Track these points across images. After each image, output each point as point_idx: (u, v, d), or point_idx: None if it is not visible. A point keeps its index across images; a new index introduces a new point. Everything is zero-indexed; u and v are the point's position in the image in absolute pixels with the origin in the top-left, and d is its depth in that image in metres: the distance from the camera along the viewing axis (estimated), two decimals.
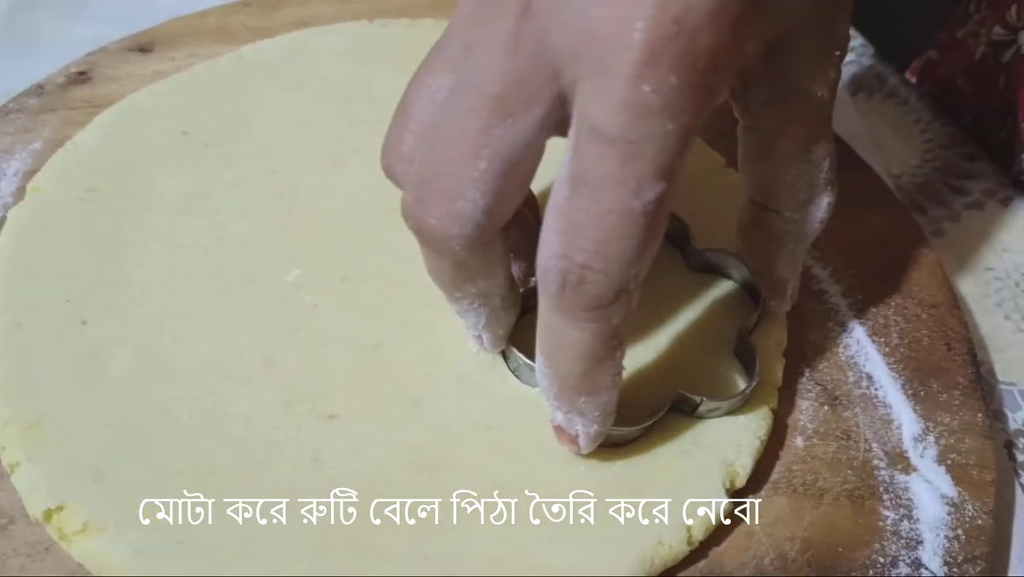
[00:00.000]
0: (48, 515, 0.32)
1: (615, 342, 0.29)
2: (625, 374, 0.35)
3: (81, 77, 0.48)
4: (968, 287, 0.44)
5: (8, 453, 0.34)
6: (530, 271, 0.35)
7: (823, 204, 0.34)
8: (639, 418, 0.34)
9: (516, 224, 0.32)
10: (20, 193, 0.42)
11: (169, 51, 0.49)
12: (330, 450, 0.34)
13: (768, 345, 0.38)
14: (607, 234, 0.26)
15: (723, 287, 0.39)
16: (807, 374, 0.38)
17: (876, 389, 0.38)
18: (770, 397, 0.37)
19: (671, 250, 0.40)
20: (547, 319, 0.29)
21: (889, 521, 0.34)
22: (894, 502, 0.35)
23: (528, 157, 0.28)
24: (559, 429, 0.33)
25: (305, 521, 0.32)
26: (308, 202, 0.42)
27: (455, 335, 0.37)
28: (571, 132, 0.27)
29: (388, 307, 0.38)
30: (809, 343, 0.39)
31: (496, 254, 0.31)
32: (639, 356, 0.37)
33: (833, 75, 0.32)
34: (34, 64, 0.51)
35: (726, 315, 0.38)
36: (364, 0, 0.53)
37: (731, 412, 0.36)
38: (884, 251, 0.42)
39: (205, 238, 0.40)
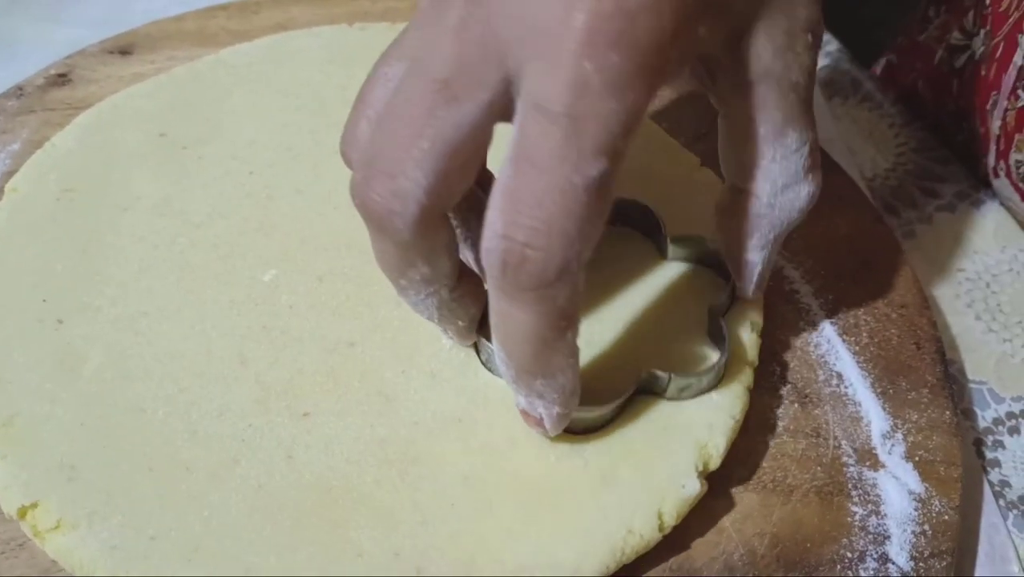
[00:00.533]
0: (22, 512, 0.32)
1: (563, 323, 0.29)
2: (594, 356, 0.35)
3: (60, 79, 0.48)
4: (939, 288, 0.45)
5: None
6: None
7: (803, 193, 0.34)
8: (609, 399, 0.34)
9: (475, 214, 0.32)
10: None
11: (148, 54, 0.50)
12: (303, 447, 0.34)
13: (743, 325, 0.38)
14: (548, 211, 0.26)
15: (695, 273, 0.40)
16: (778, 372, 0.39)
17: (846, 387, 0.38)
18: (744, 375, 0.37)
19: (645, 242, 0.41)
20: (495, 302, 0.29)
21: (857, 517, 0.35)
22: (862, 498, 0.35)
23: (473, 140, 0.28)
24: (524, 413, 0.33)
25: (277, 517, 0.33)
26: (284, 203, 0.42)
27: (428, 333, 0.37)
28: (517, 113, 0.27)
29: (363, 306, 0.38)
30: (780, 342, 0.40)
31: (440, 240, 0.31)
32: (608, 337, 0.37)
33: (807, 60, 0.32)
34: (13, 66, 0.51)
35: (698, 298, 0.39)
36: (342, 4, 0.53)
37: (704, 391, 0.36)
38: (855, 252, 0.43)
39: (181, 239, 0.40)
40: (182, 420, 0.35)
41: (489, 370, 0.36)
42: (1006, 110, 0.44)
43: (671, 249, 0.40)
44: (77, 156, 0.43)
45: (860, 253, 0.43)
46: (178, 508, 0.33)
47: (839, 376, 0.39)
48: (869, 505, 0.35)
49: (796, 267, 0.42)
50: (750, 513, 0.35)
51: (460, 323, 0.35)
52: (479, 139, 0.29)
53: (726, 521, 0.35)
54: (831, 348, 0.39)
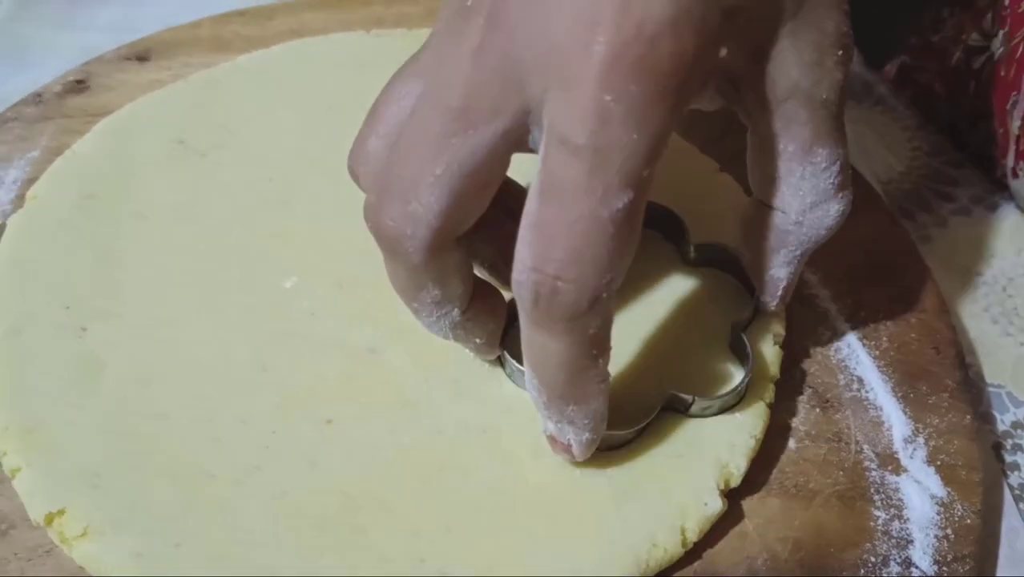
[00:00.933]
0: (49, 519, 0.33)
1: (595, 351, 0.29)
2: (617, 373, 0.35)
3: (78, 86, 0.48)
4: (956, 292, 0.45)
5: (8, 458, 0.34)
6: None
7: (832, 211, 0.33)
8: (632, 420, 0.35)
9: (501, 236, 0.32)
10: (19, 201, 0.43)
11: (165, 60, 0.50)
12: (326, 454, 0.34)
13: (765, 339, 0.38)
14: (577, 243, 0.26)
15: (718, 281, 0.40)
16: (798, 377, 0.39)
17: (866, 392, 0.38)
18: (766, 392, 0.37)
19: (666, 244, 0.41)
20: (527, 331, 0.29)
21: (880, 521, 0.35)
22: (884, 502, 0.35)
23: (488, 167, 0.28)
24: (552, 439, 0.33)
25: (301, 524, 0.33)
26: (303, 210, 0.42)
27: (449, 341, 0.37)
28: (542, 143, 0.27)
29: (384, 313, 0.38)
30: (800, 347, 0.40)
31: (451, 264, 0.31)
32: (631, 354, 0.37)
33: (839, 76, 0.31)
34: (30, 73, 0.51)
35: (720, 309, 0.39)
36: (356, 10, 0.53)
37: (726, 408, 0.36)
38: (873, 257, 0.43)
39: (201, 245, 0.40)
40: (205, 427, 0.35)
41: (513, 382, 0.37)
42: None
43: (694, 255, 0.40)
44: (97, 163, 0.43)
45: (878, 257, 0.43)
46: (202, 515, 0.33)
47: (860, 380, 0.39)
48: (892, 509, 0.35)
49: (814, 271, 0.42)
50: (772, 518, 0.35)
51: (477, 340, 0.34)
52: (494, 166, 0.29)
53: (749, 526, 0.35)
54: (851, 352, 0.39)
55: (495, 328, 0.34)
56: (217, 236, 0.41)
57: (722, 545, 0.34)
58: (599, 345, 0.29)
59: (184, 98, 0.46)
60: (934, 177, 0.49)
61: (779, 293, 0.36)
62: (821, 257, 0.42)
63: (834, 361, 0.39)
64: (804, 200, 0.33)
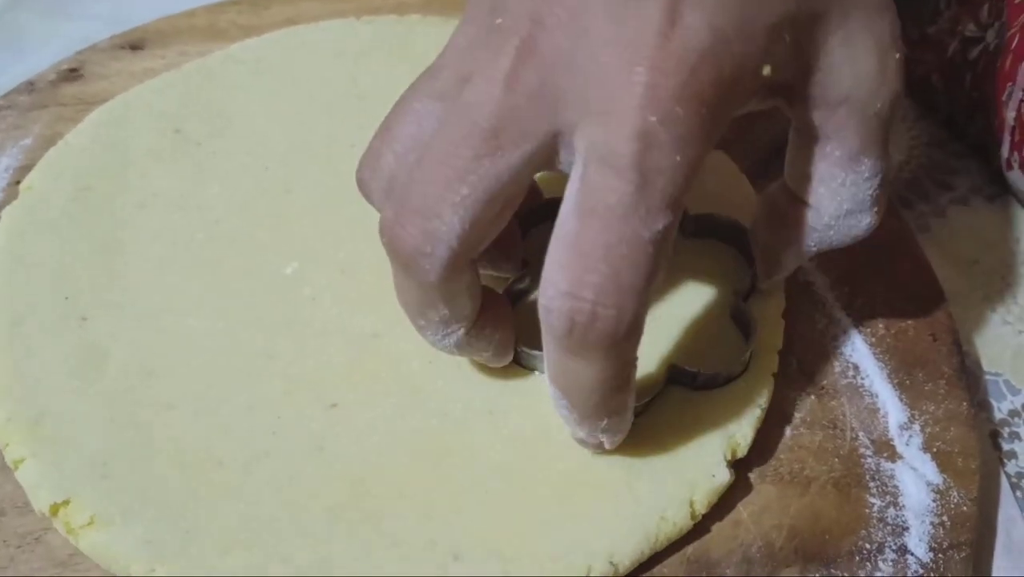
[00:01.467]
0: (55, 509, 0.32)
1: (629, 371, 0.29)
2: None
3: (72, 74, 0.48)
4: (955, 281, 0.45)
5: (12, 449, 0.34)
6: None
7: (863, 222, 0.33)
8: (640, 396, 0.34)
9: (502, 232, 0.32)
10: (11, 189, 0.43)
11: (159, 49, 0.50)
12: (333, 439, 0.34)
13: (767, 309, 0.38)
14: (617, 266, 0.26)
15: (715, 251, 0.40)
16: (794, 364, 0.39)
17: (862, 379, 0.38)
18: (770, 362, 0.37)
19: None
20: (555, 356, 0.29)
21: (875, 508, 0.35)
22: (880, 489, 0.35)
23: (512, 191, 0.29)
24: (582, 441, 0.33)
25: (311, 509, 0.33)
26: (301, 197, 0.42)
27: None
28: (576, 165, 0.27)
29: (385, 297, 0.38)
30: (796, 334, 0.40)
31: (464, 284, 0.30)
32: None
33: (896, 87, 0.30)
34: (23, 62, 0.51)
35: (719, 279, 0.39)
36: None
37: (731, 379, 0.36)
38: (871, 245, 0.42)
39: (200, 234, 0.40)
40: (211, 415, 0.35)
41: (523, 365, 0.36)
42: (1021, 101, 0.44)
43: (691, 225, 0.40)
44: (92, 154, 0.43)
45: (876, 245, 0.42)
46: (211, 502, 0.33)
47: (856, 367, 0.39)
48: (887, 497, 0.35)
49: (812, 259, 0.42)
50: (768, 505, 0.35)
51: (485, 353, 0.34)
52: (518, 190, 0.29)
53: (743, 513, 0.35)
54: (847, 339, 0.40)
55: (502, 338, 0.34)
56: (216, 224, 0.41)
57: (716, 532, 0.34)
58: (632, 364, 0.29)
59: (178, 87, 0.46)
60: (933, 167, 0.49)
61: (778, 279, 0.37)
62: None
63: (830, 348, 0.39)
64: (841, 206, 0.33)
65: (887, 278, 0.42)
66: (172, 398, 0.35)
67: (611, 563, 0.32)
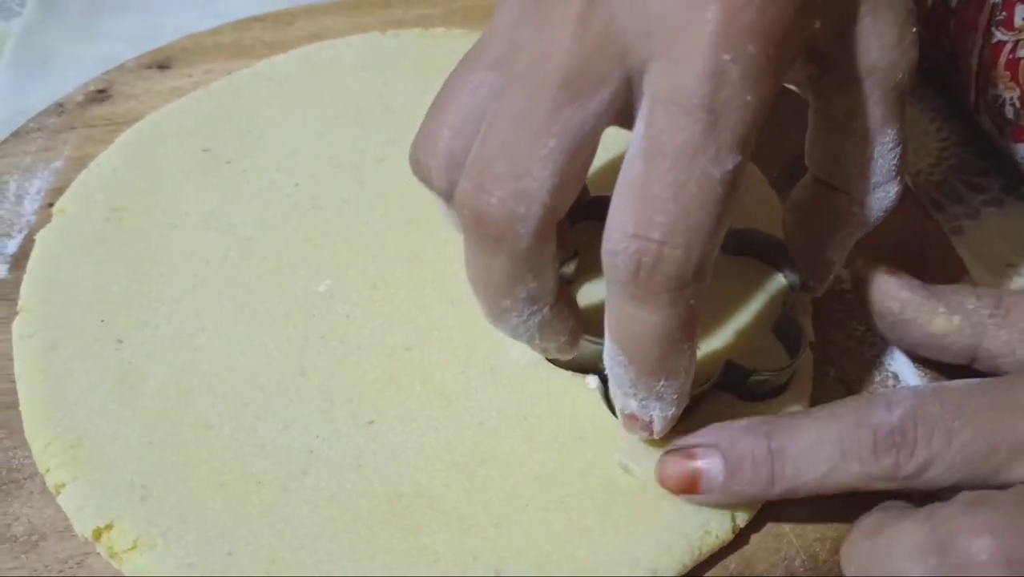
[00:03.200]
0: (97, 533, 0.33)
1: (692, 322, 0.29)
2: None
3: (100, 95, 0.48)
4: (990, 283, 0.44)
5: (53, 474, 0.34)
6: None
7: (892, 192, 0.33)
8: (692, 383, 0.33)
9: None
10: (43, 211, 0.43)
11: (186, 67, 0.50)
12: (371, 455, 0.35)
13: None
14: (686, 205, 0.26)
15: (753, 266, 0.40)
16: (832, 374, 0.38)
17: (901, 385, 0.38)
18: (807, 386, 0.37)
19: None
20: (618, 305, 0.28)
21: None
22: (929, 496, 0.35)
23: (593, 140, 0.28)
24: (631, 417, 0.32)
25: (351, 527, 0.33)
26: (331, 213, 0.42)
27: (484, 331, 0.37)
28: (642, 109, 0.27)
29: (416, 310, 0.39)
30: (833, 343, 0.39)
31: (551, 252, 0.30)
32: None
33: (913, 56, 0.31)
34: (51, 84, 0.51)
35: (762, 293, 0.39)
36: (375, 13, 0.53)
37: (776, 389, 0.36)
38: (906, 250, 0.42)
39: (232, 253, 0.40)
40: (249, 434, 0.35)
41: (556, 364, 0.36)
42: (983, 48, 0.45)
43: (729, 241, 0.39)
44: (122, 175, 0.43)
45: (911, 250, 0.42)
46: (252, 522, 0.33)
47: (895, 376, 0.38)
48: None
49: (846, 266, 0.41)
50: (810, 517, 0.34)
51: (561, 338, 0.33)
52: (596, 140, 0.28)
53: (786, 527, 0.34)
54: (885, 347, 0.39)
55: (575, 322, 0.33)
56: (248, 243, 0.41)
57: (758, 545, 0.34)
58: (696, 316, 0.28)
59: (206, 106, 0.46)
60: (964, 168, 0.49)
61: (829, 277, 0.36)
62: (853, 252, 0.42)
63: (868, 357, 0.39)
64: (869, 182, 0.33)
65: (923, 283, 0.41)
66: (209, 418, 0.35)
67: (655, 576, 0.32)
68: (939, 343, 0.35)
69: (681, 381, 0.30)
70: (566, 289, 0.33)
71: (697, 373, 0.33)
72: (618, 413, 0.33)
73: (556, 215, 0.28)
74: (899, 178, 0.33)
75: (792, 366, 0.36)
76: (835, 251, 0.35)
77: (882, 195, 0.33)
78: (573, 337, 0.33)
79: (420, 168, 0.31)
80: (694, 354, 0.30)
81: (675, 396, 0.31)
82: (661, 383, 0.30)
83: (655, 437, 0.33)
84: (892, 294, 0.36)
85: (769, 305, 0.38)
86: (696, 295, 0.28)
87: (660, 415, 0.32)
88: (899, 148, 0.32)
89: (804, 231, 0.35)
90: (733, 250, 0.40)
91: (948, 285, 0.36)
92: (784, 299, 0.37)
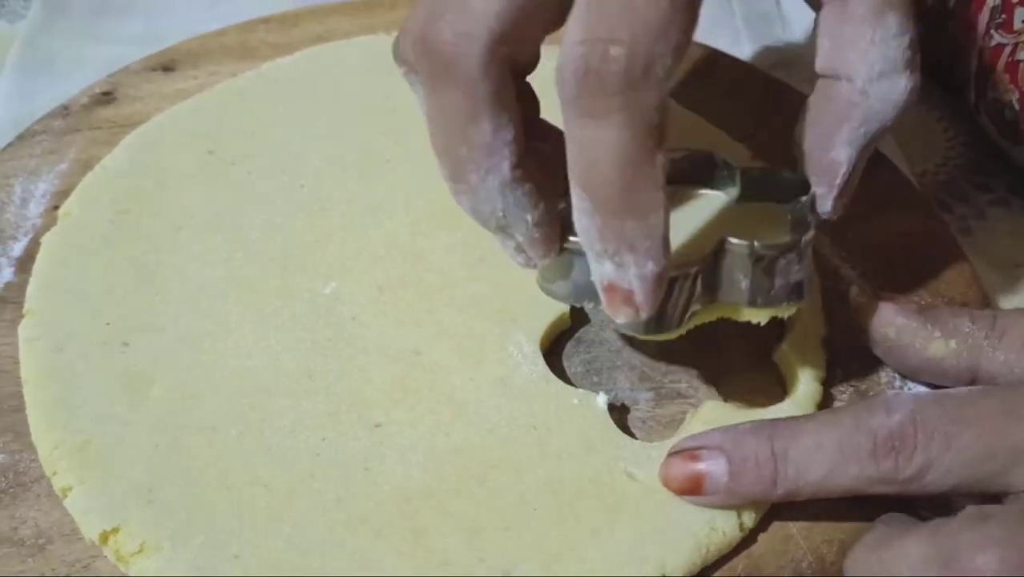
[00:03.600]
0: (104, 537, 0.33)
1: (651, 141, 0.27)
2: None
3: (105, 97, 0.48)
4: (998, 283, 0.44)
5: (59, 477, 0.34)
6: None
7: (900, 85, 0.32)
8: (684, 262, 0.32)
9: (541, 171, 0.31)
10: (49, 214, 0.43)
11: (190, 69, 0.50)
12: (379, 458, 0.34)
13: (807, 340, 0.38)
14: (632, 4, 0.25)
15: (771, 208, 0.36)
16: (840, 375, 0.38)
17: (910, 387, 0.38)
18: (815, 392, 0.37)
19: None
20: (573, 132, 0.27)
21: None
22: (930, 502, 0.35)
23: None
24: (610, 288, 0.30)
25: (359, 530, 0.33)
26: (337, 215, 0.42)
27: (495, 339, 0.37)
28: None
29: (425, 314, 0.38)
30: (840, 344, 0.39)
31: (506, 91, 0.29)
32: (687, 227, 0.34)
33: None
34: (56, 86, 0.51)
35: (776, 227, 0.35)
36: (380, 14, 0.53)
37: (789, 273, 0.33)
38: (913, 250, 0.42)
39: (238, 255, 0.40)
40: (255, 437, 0.35)
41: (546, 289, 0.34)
42: (982, 49, 0.45)
43: (742, 186, 0.35)
44: (128, 178, 0.43)
45: (917, 250, 0.42)
46: (259, 525, 0.33)
47: (902, 377, 0.38)
48: (939, 510, 0.35)
49: (853, 267, 0.42)
50: (818, 519, 0.34)
51: (527, 217, 0.31)
52: None
53: (793, 528, 0.34)
54: None
55: (547, 208, 0.31)
56: (253, 245, 0.41)
57: (765, 547, 0.34)
58: (656, 133, 0.27)
59: (210, 108, 0.46)
60: (970, 167, 0.49)
61: (837, 181, 0.33)
62: (860, 252, 0.42)
63: (875, 358, 0.39)
64: (872, 67, 0.32)
65: (930, 284, 0.41)
66: (215, 421, 0.35)
67: (664, 575, 0.32)
68: (937, 367, 0.35)
69: (652, 223, 0.28)
70: (544, 166, 0.31)
71: (693, 245, 0.31)
72: (598, 289, 0.30)
73: (508, 43, 0.28)
74: (910, 72, 0.32)
75: (796, 245, 0.32)
76: (842, 148, 0.33)
77: (888, 87, 0.32)
78: (543, 217, 0.31)
79: (399, 53, 0.31)
80: (662, 190, 0.28)
81: (648, 244, 0.28)
82: (629, 224, 0.28)
83: (641, 312, 0.30)
84: (888, 320, 0.36)
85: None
86: (652, 103, 0.26)
87: (638, 273, 0.29)
88: (905, 37, 0.31)
89: (809, 130, 0.34)
90: (753, 196, 0.36)
91: (943, 308, 0.36)
92: (793, 223, 0.34)
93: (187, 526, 0.32)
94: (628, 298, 0.30)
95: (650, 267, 0.29)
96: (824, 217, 0.34)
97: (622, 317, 0.30)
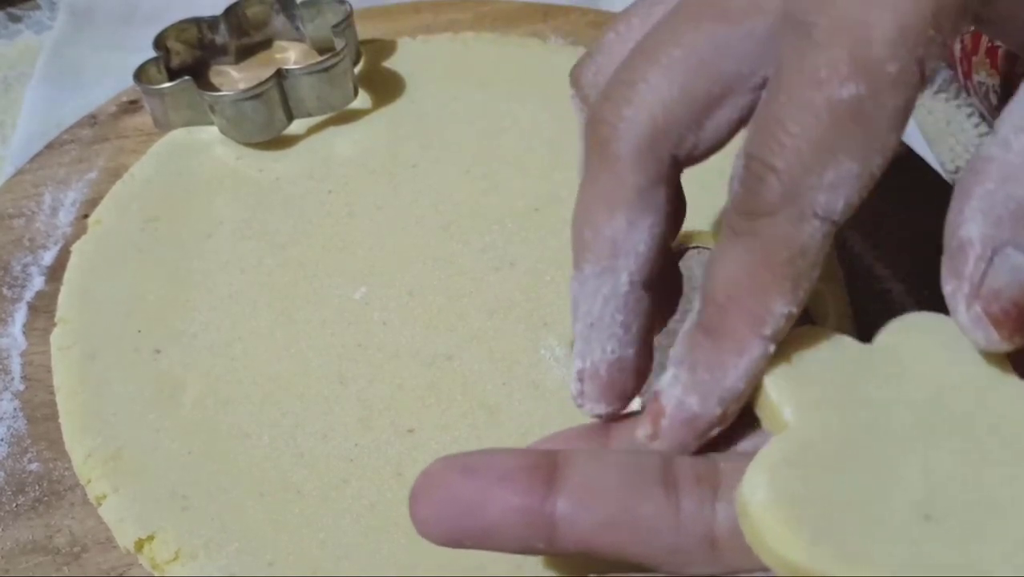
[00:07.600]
0: (139, 545, 0.33)
1: (770, 274, 0.23)
2: None
3: (132, 106, 0.48)
4: None
5: (94, 485, 0.34)
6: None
7: None
8: None
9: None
10: (78, 223, 0.43)
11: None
12: (411, 464, 0.34)
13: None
14: (792, 129, 0.22)
15: None
16: None
17: None
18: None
19: None
20: (719, 244, 0.24)
21: None
22: None
23: (723, 64, 0.25)
24: (655, 401, 0.25)
25: (393, 535, 0.32)
26: (366, 220, 0.42)
27: (526, 343, 0.37)
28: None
29: (455, 319, 0.38)
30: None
31: (657, 192, 0.25)
32: None
33: None
34: (84, 96, 0.51)
35: None
36: (405, 19, 0.53)
37: None
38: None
39: (267, 260, 0.40)
40: (288, 443, 0.35)
41: None
42: (963, 33, 0.45)
43: None
44: (156, 185, 0.43)
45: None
46: (293, 532, 0.33)
47: None
48: None
49: (886, 266, 0.41)
50: None
51: (608, 347, 0.26)
52: (730, 67, 0.25)
53: None
54: None
55: (639, 351, 0.26)
56: (282, 250, 0.41)
57: None
58: (790, 275, 0.23)
59: None
60: None
61: (967, 271, 0.24)
62: (893, 250, 0.41)
63: None
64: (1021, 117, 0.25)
65: None
66: (248, 427, 0.35)
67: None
68: None
69: (734, 365, 0.24)
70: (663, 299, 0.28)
71: None
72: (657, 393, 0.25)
73: (668, 135, 0.25)
74: None
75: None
76: (972, 223, 0.25)
77: None
78: (624, 356, 0.26)
79: (574, 77, 0.29)
80: (766, 345, 0.23)
81: (710, 382, 0.24)
82: (708, 343, 0.24)
83: (660, 441, 0.25)
84: None
85: None
86: (788, 238, 0.23)
87: (678, 404, 0.24)
88: None
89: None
90: None
91: None
92: None
93: (221, 533, 0.32)
94: (655, 419, 0.25)
95: (694, 408, 0.24)
96: (979, 346, 0.24)
97: (639, 430, 0.25)
